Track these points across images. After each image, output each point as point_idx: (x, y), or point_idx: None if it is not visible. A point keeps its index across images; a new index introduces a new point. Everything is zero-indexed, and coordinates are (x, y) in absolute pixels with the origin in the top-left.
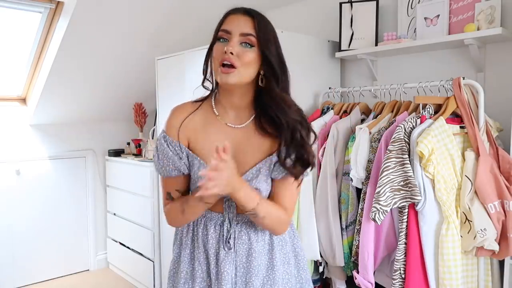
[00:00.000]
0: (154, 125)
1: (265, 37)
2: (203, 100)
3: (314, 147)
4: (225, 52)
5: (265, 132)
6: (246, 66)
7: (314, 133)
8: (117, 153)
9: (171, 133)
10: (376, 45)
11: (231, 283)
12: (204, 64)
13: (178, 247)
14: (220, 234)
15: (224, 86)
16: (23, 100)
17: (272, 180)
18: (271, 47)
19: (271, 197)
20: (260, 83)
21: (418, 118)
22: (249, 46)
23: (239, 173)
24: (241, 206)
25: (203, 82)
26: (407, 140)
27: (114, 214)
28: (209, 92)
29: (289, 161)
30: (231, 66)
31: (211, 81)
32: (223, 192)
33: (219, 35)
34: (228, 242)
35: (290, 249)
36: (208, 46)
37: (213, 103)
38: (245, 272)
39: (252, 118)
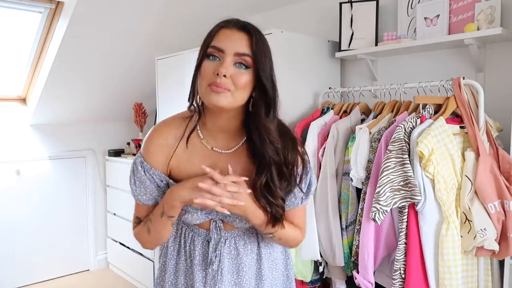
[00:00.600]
0: (154, 125)
1: (262, 59)
2: (190, 117)
3: (313, 149)
4: (217, 75)
5: (254, 160)
6: (240, 90)
7: (304, 164)
8: (117, 153)
9: (149, 159)
10: (376, 45)
11: None
12: (191, 85)
13: (163, 257)
14: (207, 252)
15: (212, 108)
16: (23, 100)
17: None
18: (267, 69)
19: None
20: (250, 108)
21: (418, 118)
22: (244, 67)
23: None
24: (259, 227)
25: (190, 107)
26: (407, 140)
27: (114, 214)
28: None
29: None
30: (225, 89)
31: (194, 104)
32: (241, 210)
33: (210, 52)
34: (213, 264)
35: (280, 256)
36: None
37: (198, 125)
38: (235, 286)
39: (241, 142)
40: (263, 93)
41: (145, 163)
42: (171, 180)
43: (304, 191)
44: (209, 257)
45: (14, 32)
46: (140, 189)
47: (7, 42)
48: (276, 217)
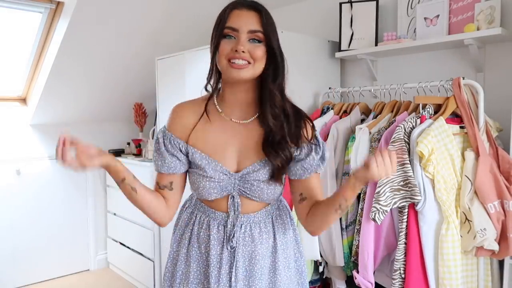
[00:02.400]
0: (154, 125)
1: (271, 32)
2: (206, 99)
3: None
4: (237, 51)
5: (266, 129)
6: (258, 61)
7: (313, 132)
8: (117, 153)
9: (171, 129)
10: (376, 45)
11: (233, 285)
12: (211, 66)
13: (176, 246)
14: (224, 235)
15: (233, 81)
16: (23, 100)
17: (300, 181)
18: (275, 42)
19: (308, 196)
20: (264, 77)
21: (418, 118)
22: (257, 41)
23: (242, 166)
24: (351, 199)
25: (206, 85)
26: (407, 140)
27: (114, 214)
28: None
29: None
30: (246, 63)
31: (211, 84)
32: (377, 178)
33: (226, 32)
34: (231, 241)
35: (292, 253)
36: (207, 46)
37: (216, 102)
38: (248, 276)
39: (256, 115)
40: (273, 61)
41: (167, 132)
42: (191, 147)
43: (319, 157)
44: (227, 234)
45: (14, 32)
46: (156, 157)
47: (7, 42)
48: (280, 167)
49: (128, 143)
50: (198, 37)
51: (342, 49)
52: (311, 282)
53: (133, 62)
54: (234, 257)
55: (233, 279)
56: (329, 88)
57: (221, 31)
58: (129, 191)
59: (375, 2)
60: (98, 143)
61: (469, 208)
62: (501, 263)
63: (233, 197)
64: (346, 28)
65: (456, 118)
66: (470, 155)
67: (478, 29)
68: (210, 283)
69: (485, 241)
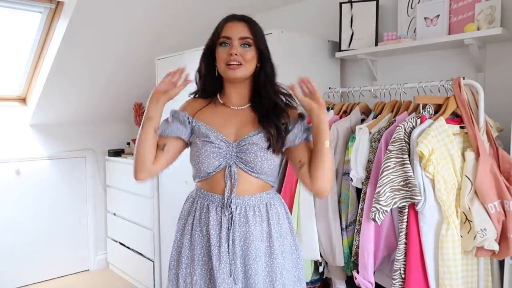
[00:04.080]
0: None
1: (259, 37)
2: (210, 97)
3: None
4: (231, 55)
5: (259, 111)
6: (249, 62)
7: (300, 115)
8: (117, 153)
9: (183, 109)
10: (376, 45)
11: (230, 265)
12: (198, 69)
13: (180, 235)
14: (222, 215)
15: (231, 80)
16: (23, 100)
17: (292, 150)
18: (263, 45)
19: (306, 161)
20: (256, 74)
21: (418, 118)
22: (247, 46)
23: (240, 138)
24: (323, 130)
25: (199, 80)
26: (407, 140)
27: (114, 214)
28: (204, 85)
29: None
30: (239, 64)
31: (199, 83)
32: (319, 100)
33: (221, 41)
34: (230, 206)
35: (288, 244)
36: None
37: (219, 97)
38: (244, 255)
39: (248, 104)
40: (263, 61)
41: (176, 110)
42: (199, 122)
43: (304, 128)
44: (225, 203)
45: (14, 32)
46: (166, 124)
47: (7, 42)
48: (279, 133)
49: (128, 143)
50: (198, 37)
51: (342, 49)
52: (311, 282)
53: (133, 62)
54: (231, 236)
55: (231, 256)
56: (329, 88)
57: (217, 40)
58: (152, 129)
59: (375, 2)
60: (98, 143)
61: (469, 208)
62: (501, 263)
63: (230, 166)
64: (346, 28)
65: (456, 118)
66: (470, 155)
67: (478, 29)
68: (212, 262)
69: (485, 241)
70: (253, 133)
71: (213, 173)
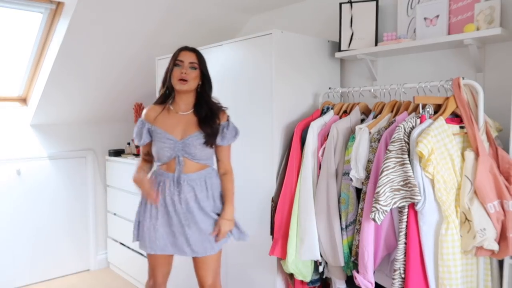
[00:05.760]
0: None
1: (202, 63)
2: (165, 103)
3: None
4: (182, 73)
5: (199, 117)
6: (193, 80)
7: (227, 118)
8: (117, 153)
9: (146, 118)
10: (376, 45)
11: (180, 216)
12: (163, 80)
13: (145, 198)
14: (173, 186)
15: (180, 91)
16: (24, 100)
17: (219, 148)
18: (206, 69)
19: (220, 159)
20: (198, 89)
21: (417, 118)
22: (194, 68)
23: (183, 137)
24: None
25: (162, 89)
26: (406, 140)
27: (115, 214)
28: (164, 94)
29: (207, 133)
30: (186, 80)
31: (164, 90)
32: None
33: (177, 63)
34: (183, 182)
35: (217, 200)
36: (206, 46)
37: (170, 104)
38: (189, 210)
39: (192, 110)
40: (204, 80)
41: (142, 119)
42: (155, 127)
43: (230, 135)
44: (175, 182)
45: (14, 32)
46: (138, 136)
47: (7, 42)
48: (213, 134)
49: (128, 143)
50: (197, 37)
51: (342, 49)
52: (311, 282)
53: (133, 62)
54: (182, 199)
55: (183, 211)
56: (329, 88)
57: (174, 62)
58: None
59: (375, 2)
60: (98, 143)
61: (469, 208)
62: (501, 263)
63: (178, 157)
64: (346, 28)
65: (456, 118)
66: (470, 155)
67: (477, 29)
68: (169, 212)
69: (485, 241)
70: (194, 134)
71: (167, 160)
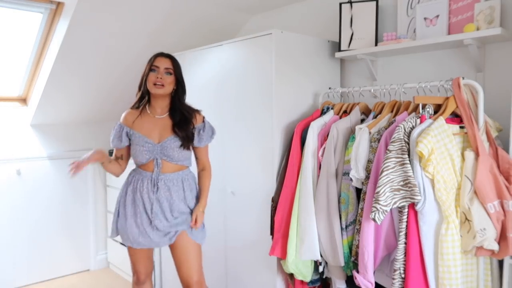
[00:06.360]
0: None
1: (177, 69)
2: (141, 107)
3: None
4: (157, 78)
5: (173, 121)
6: (168, 84)
7: (203, 119)
8: None
9: (123, 122)
10: (376, 45)
11: (159, 214)
12: (140, 84)
13: (124, 195)
14: (151, 185)
15: (156, 95)
16: (24, 100)
17: (196, 149)
18: (180, 75)
19: (199, 158)
20: (173, 94)
21: (417, 118)
22: (169, 74)
23: (161, 140)
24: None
25: (140, 97)
26: (406, 140)
27: None
28: (140, 98)
29: (183, 136)
30: (161, 85)
31: (140, 94)
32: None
33: (152, 68)
34: (161, 183)
35: (192, 200)
36: (206, 46)
37: (147, 107)
38: (166, 209)
39: (167, 113)
40: (178, 85)
41: (121, 123)
42: (133, 131)
43: (207, 135)
44: (152, 182)
45: (14, 32)
46: (116, 139)
47: (7, 42)
48: (188, 138)
49: None
50: (198, 37)
51: (342, 49)
52: (311, 282)
53: (133, 62)
54: (159, 198)
55: (158, 209)
56: (329, 88)
57: (150, 67)
58: (105, 165)
59: (375, 2)
60: (98, 143)
61: (469, 208)
62: (501, 263)
63: (157, 159)
64: (346, 28)
65: (456, 118)
66: (470, 155)
67: (477, 29)
68: (147, 214)
69: (485, 241)
70: (171, 137)
71: (146, 162)
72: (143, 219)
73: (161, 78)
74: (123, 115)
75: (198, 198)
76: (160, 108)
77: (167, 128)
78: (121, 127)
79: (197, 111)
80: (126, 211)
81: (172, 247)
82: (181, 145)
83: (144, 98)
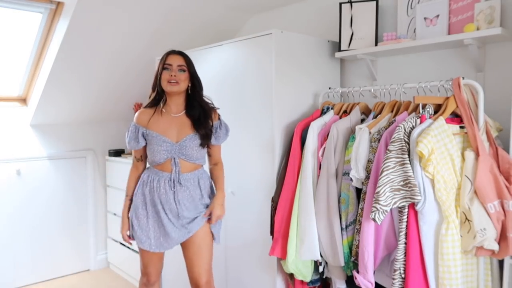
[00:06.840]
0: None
1: (190, 65)
2: (156, 106)
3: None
4: (171, 76)
5: (191, 119)
6: (183, 81)
7: (219, 117)
8: (117, 153)
9: (138, 122)
10: (376, 45)
11: (171, 214)
12: (153, 84)
13: (141, 196)
14: (168, 186)
15: (171, 93)
16: (24, 100)
17: (211, 146)
18: (194, 71)
19: (212, 155)
20: (189, 91)
21: (418, 118)
22: (183, 71)
23: (179, 139)
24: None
25: (152, 93)
26: (407, 140)
27: (114, 214)
28: (154, 97)
29: (202, 134)
30: (176, 82)
31: (154, 94)
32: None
33: (165, 66)
34: (180, 183)
35: (207, 198)
36: (207, 46)
37: (162, 106)
38: (185, 208)
39: (184, 111)
40: (195, 81)
41: (135, 123)
42: (150, 130)
43: (223, 134)
44: (172, 182)
45: (14, 32)
46: (133, 141)
47: (7, 42)
48: (207, 135)
49: None
50: (198, 37)
51: (342, 49)
52: (311, 282)
53: (133, 62)
54: (176, 197)
55: (178, 209)
56: (329, 88)
57: (163, 66)
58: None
59: (375, 2)
60: (98, 143)
61: (469, 208)
62: (501, 263)
63: (174, 158)
64: (346, 28)
65: (456, 118)
66: (470, 155)
67: (478, 29)
68: (159, 211)
69: (485, 241)
70: (189, 135)
71: (163, 162)
72: (163, 218)
73: (175, 76)
74: (136, 115)
75: (212, 195)
76: (176, 106)
77: (185, 126)
78: (136, 128)
79: (215, 109)
80: (148, 211)
81: (185, 247)
82: (200, 144)
83: (161, 97)
